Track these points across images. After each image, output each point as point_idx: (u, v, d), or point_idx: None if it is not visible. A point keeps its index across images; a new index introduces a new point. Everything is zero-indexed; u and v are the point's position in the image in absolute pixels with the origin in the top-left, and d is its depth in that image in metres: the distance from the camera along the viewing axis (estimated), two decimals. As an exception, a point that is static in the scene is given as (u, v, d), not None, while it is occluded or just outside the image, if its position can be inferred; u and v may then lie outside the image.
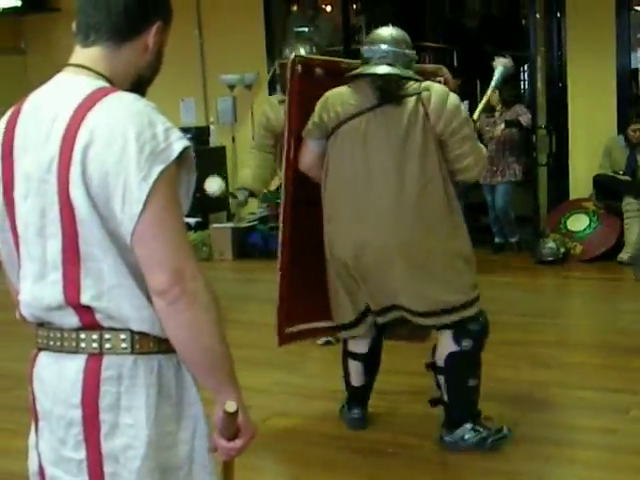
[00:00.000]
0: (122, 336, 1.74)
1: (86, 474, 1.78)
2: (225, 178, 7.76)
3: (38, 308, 1.78)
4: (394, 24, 4.03)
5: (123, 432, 1.75)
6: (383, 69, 3.83)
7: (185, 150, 1.69)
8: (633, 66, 8.71)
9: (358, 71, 3.93)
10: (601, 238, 7.88)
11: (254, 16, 9.61)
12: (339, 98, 3.92)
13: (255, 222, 9.12)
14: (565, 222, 8.08)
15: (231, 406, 1.75)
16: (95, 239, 1.68)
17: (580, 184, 8.37)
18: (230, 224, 9.19)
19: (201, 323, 1.69)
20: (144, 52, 1.82)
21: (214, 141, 9.79)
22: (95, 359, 1.74)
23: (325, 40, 10.00)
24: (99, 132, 1.66)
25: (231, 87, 9.44)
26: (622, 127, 8.11)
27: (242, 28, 9.49)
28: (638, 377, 4.74)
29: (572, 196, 8.46)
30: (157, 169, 1.64)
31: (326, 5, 10.50)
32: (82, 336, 1.75)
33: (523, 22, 9.29)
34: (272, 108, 5.39)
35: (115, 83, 1.78)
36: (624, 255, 7.60)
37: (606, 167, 8.04)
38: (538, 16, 8.35)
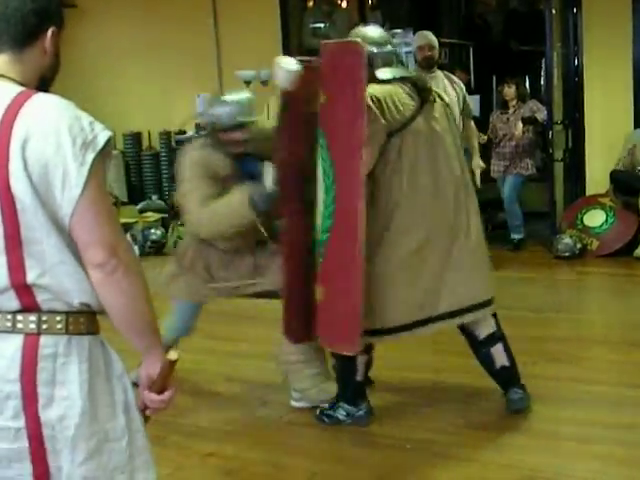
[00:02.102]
0: (58, 318, 1.95)
1: (25, 438, 1.94)
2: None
3: None
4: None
5: (59, 404, 1.94)
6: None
7: (109, 140, 1.92)
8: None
9: (397, 75, 3.77)
10: (617, 234, 7.86)
11: (270, 12, 9.62)
12: (395, 96, 3.68)
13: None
14: (581, 218, 8.06)
15: (173, 355, 2.01)
16: (37, 224, 1.88)
17: (596, 180, 8.34)
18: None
19: (135, 290, 1.94)
20: (44, 55, 2.03)
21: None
22: (32, 338, 1.94)
23: (341, 36, 10.02)
24: (34, 129, 1.86)
25: (247, 83, 9.43)
26: (639, 122, 8.07)
27: (258, 24, 9.50)
28: (655, 372, 4.73)
29: (588, 192, 8.43)
30: (90, 157, 1.87)
31: (342, 1, 10.50)
32: (19, 318, 1.94)
33: (540, 17, 9.26)
34: None
35: (25, 86, 1.96)
36: (641, 251, 7.59)
37: (627, 162, 8.00)
38: (554, 11, 8.33)
